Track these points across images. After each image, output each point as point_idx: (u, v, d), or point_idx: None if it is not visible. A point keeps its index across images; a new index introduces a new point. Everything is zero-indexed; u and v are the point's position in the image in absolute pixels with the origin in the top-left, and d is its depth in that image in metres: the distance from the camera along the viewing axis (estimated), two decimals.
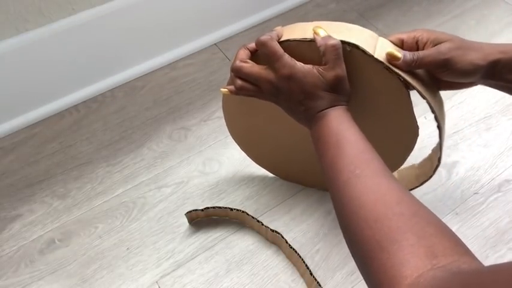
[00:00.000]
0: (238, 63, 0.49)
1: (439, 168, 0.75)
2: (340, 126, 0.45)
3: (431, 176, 0.61)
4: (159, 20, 0.87)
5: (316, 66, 0.46)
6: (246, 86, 0.50)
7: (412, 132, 0.53)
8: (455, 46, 0.46)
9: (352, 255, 0.39)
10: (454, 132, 0.80)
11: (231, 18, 0.98)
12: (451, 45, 0.46)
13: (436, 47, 0.47)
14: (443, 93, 0.93)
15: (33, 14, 0.73)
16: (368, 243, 0.35)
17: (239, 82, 0.50)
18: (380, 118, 0.54)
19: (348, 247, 0.39)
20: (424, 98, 0.48)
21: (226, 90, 0.52)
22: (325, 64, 0.46)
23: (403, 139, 0.55)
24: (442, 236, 0.34)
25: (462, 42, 0.47)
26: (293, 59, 0.46)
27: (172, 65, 0.94)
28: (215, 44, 0.98)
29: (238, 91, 0.50)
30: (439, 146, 0.55)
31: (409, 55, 0.46)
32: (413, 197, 0.38)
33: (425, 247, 0.33)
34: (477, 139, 0.79)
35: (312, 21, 0.50)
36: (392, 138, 0.56)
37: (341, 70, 0.46)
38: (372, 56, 0.46)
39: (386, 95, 0.50)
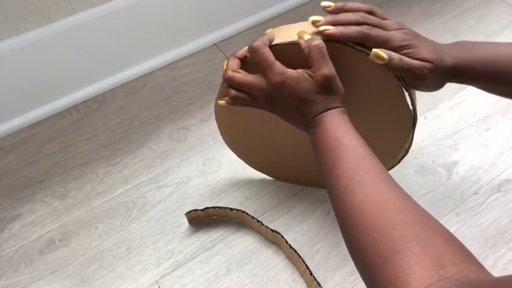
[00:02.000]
0: (230, 73, 0.49)
1: (439, 168, 0.76)
2: (338, 130, 0.44)
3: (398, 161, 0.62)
4: (159, 20, 0.87)
5: (306, 70, 0.46)
6: (240, 96, 0.49)
7: (407, 120, 0.53)
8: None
9: (355, 263, 0.38)
10: (454, 132, 0.80)
11: (231, 18, 0.98)
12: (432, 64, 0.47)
13: (421, 64, 0.46)
14: (443, 93, 0.93)
15: (33, 14, 0.73)
16: (371, 253, 0.34)
17: (233, 92, 0.49)
18: (375, 110, 0.55)
19: (350, 255, 0.39)
20: (406, 90, 0.50)
21: (223, 102, 0.52)
22: (311, 66, 0.45)
23: (399, 128, 0.55)
24: (447, 244, 0.33)
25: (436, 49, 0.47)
26: (284, 66, 0.46)
27: (172, 65, 0.94)
28: (215, 44, 0.98)
29: (233, 101, 0.50)
30: (412, 134, 0.56)
31: (396, 59, 0.45)
32: (415, 203, 0.38)
33: (431, 256, 0.32)
34: (477, 139, 0.79)
35: None
36: (389, 129, 0.56)
37: (328, 69, 0.45)
38: (362, 50, 0.46)
39: (379, 87, 0.50)
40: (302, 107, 0.46)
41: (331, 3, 0.49)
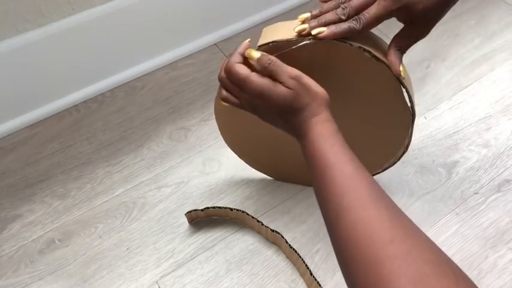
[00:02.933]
0: (222, 74, 0.49)
1: (439, 168, 0.76)
2: (324, 145, 0.43)
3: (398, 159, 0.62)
4: (159, 20, 0.87)
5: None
6: (230, 99, 0.50)
7: (405, 117, 0.53)
8: None
9: (346, 283, 0.38)
10: (454, 132, 0.80)
11: (231, 18, 0.98)
12: None
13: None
14: (443, 94, 0.93)
15: (33, 14, 0.73)
16: (363, 284, 0.34)
17: (224, 93, 0.50)
18: (373, 108, 0.55)
19: (342, 274, 0.38)
20: (404, 86, 0.50)
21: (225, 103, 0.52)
22: (274, 79, 0.45)
23: (398, 125, 0.56)
24: (439, 275, 0.33)
25: None
26: (259, 75, 0.46)
27: (172, 65, 0.94)
28: (215, 44, 0.98)
29: (225, 102, 0.51)
30: (410, 133, 0.56)
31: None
32: (406, 228, 0.37)
33: None
34: (477, 139, 0.79)
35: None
36: (388, 126, 0.57)
37: (291, 70, 0.44)
38: (360, 47, 0.47)
39: (376, 84, 0.50)
40: (284, 115, 0.46)
41: None
